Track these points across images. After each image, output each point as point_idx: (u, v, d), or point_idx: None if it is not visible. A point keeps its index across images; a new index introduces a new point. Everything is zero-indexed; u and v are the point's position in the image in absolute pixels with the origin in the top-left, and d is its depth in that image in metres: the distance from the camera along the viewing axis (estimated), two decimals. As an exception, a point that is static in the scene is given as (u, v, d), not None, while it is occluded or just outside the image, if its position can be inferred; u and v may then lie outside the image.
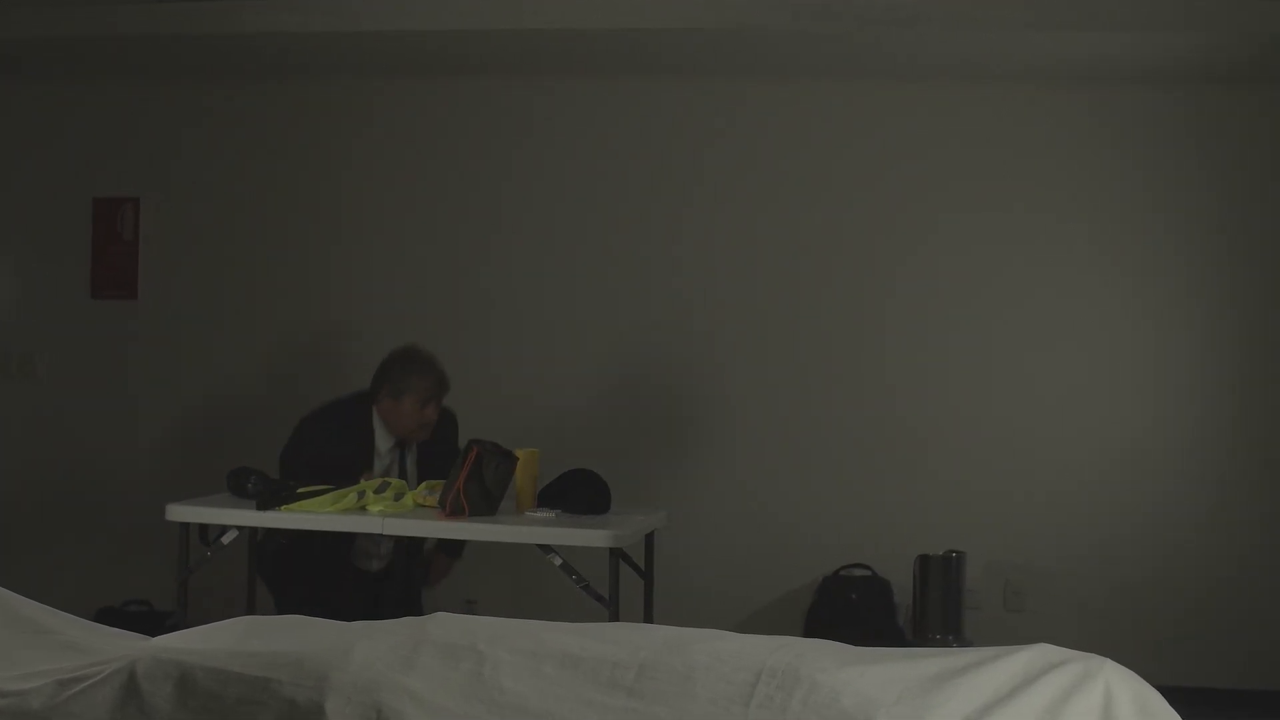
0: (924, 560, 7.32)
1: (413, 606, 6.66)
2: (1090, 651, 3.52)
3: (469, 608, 7.55)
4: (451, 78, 7.99)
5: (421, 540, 6.74)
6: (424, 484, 6.34)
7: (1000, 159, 7.73)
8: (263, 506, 6.11)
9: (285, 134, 8.20)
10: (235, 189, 8.22)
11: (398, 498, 6.25)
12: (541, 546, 5.92)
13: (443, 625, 3.64)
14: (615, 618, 5.79)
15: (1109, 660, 3.48)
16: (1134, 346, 7.65)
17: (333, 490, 6.18)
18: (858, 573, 7.59)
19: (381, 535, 6.38)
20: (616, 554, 5.89)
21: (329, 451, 6.55)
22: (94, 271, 8.29)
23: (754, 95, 7.88)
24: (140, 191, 8.27)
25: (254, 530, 6.46)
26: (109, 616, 7.32)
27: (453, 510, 5.98)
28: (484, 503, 6.00)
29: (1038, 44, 6.98)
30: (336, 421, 6.70)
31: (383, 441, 6.70)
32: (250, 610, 6.71)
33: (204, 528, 6.22)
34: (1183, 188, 7.60)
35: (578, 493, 6.29)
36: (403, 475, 6.67)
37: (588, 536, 5.87)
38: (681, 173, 7.95)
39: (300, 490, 6.19)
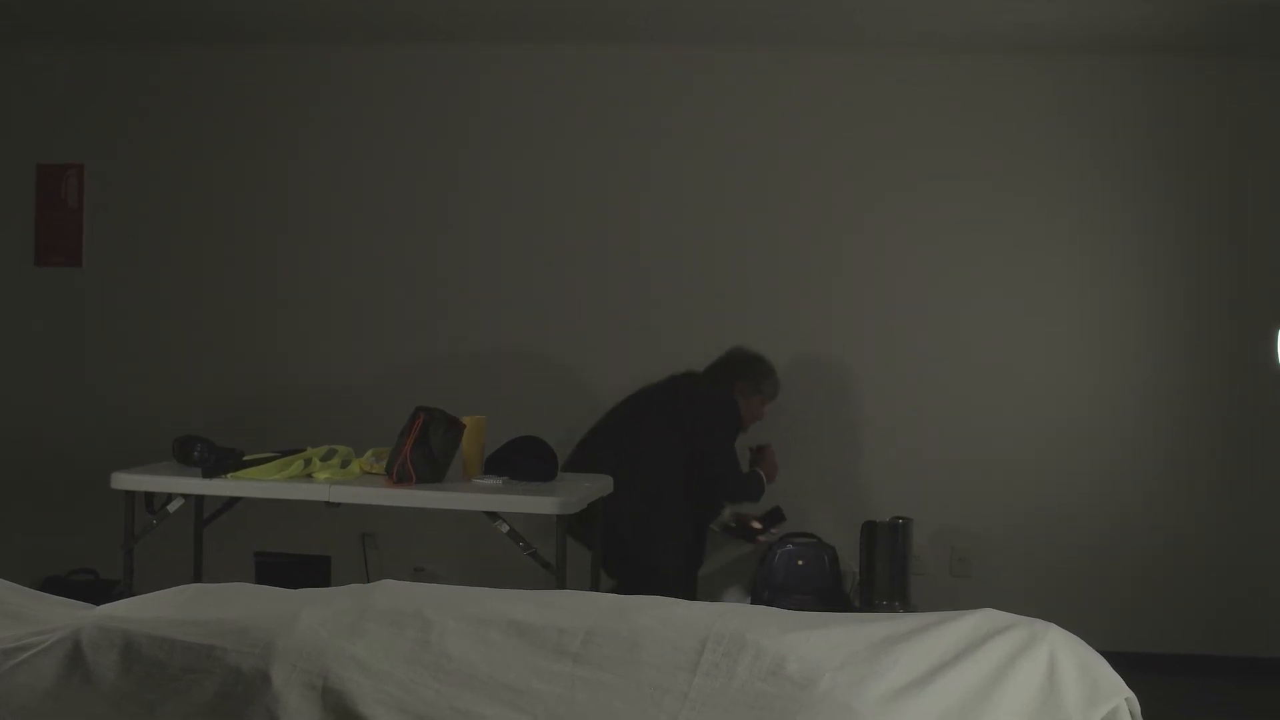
0: (870, 526, 7.34)
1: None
2: (1035, 617, 3.55)
3: (416, 575, 7.55)
4: (406, 43, 7.94)
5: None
6: (370, 451, 6.32)
7: (950, 126, 7.74)
8: (209, 474, 6.10)
9: (234, 100, 8.14)
10: (182, 155, 8.15)
11: (344, 465, 6.24)
12: (489, 514, 5.92)
13: (388, 592, 3.63)
14: (562, 585, 5.80)
15: (1053, 625, 3.51)
16: (1081, 314, 7.69)
17: (279, 458, 6.17)
18: (803, 540, 7.60)
19: None
20: (564, 521, 5.90)
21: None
22: (38, 238, 8.21)
23: (718, 62, 7.86)
24: (85, 158, 8.20)
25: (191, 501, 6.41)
26: (55, 585, 7.27)
27: (399, 477, 5.98)
28: (430, 470, 6.00)
29: (994, 13, 6.98)
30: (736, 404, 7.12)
31: None
32: (196, 578, 6.69)
33: (150, 496, 6.20)
34: (1131, 156, 7.64)
35: (525, 460, 6.29)
36: None
37: (535, 504, 5.88)
38: (644, 139, 7.93)
39: (246, 458, 6.18)
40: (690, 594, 6.81)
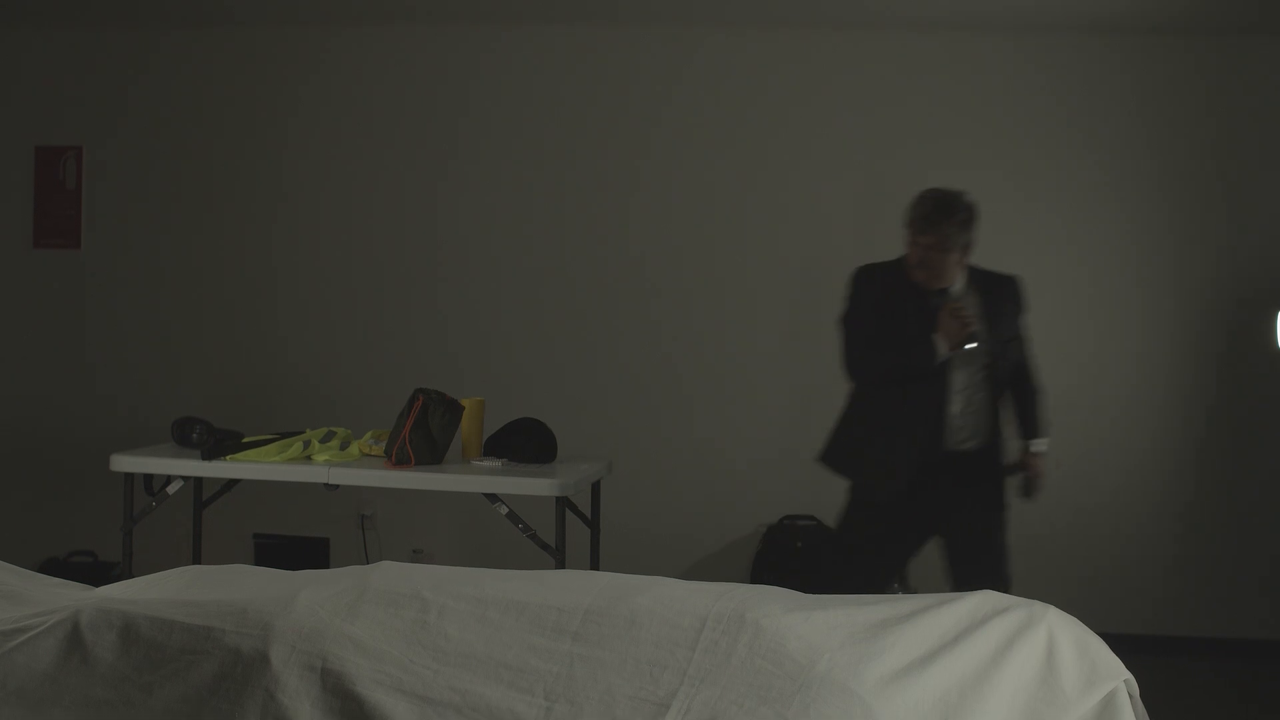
0: (871, 509, 7.34)
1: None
2: (1033, 599, 3.55)
3: (415, 557, 7.56)
4: (400, 24, 7.92)
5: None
6: (370, 433, 6.33)
7: (945, 110, 7.72)
8: (208, 456, 6.10)
9: (232, 83, 8.12)
10: (180, 138, 8.14)
11: (343, 447, 6.24)
12: (488, 495, 5.92)
13: (387, 573, 3.63)
14: (562, 566, 5.81)
15: (1051, 607, 3.51)
16: (1070, 297, 7.66)
17: (278, 440, 6.17)
18: (803, 522, 7.60)
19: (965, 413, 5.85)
20: (563, 502, 5.91)
21: (871, 303, 5.79)
22: (36, 220, 8.20)
23: (709, 43, 7.84)
24: (83, 139, 8.18)
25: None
26: (54, 567, 7.30)
27: (398, 459, 5.98)
28: (430, 452, 6.00)
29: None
30: (877, 271, 5.90)
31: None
32: (195, 560, 6.70)
33: (149, 478, 6.20)
34: (1124, 138, 7.62)
35: (524, 441, 6.29)
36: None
37: (534, 485, 5.87)
38: (637, 121, 7.91)
39: (245, 440, 6.19)
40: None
